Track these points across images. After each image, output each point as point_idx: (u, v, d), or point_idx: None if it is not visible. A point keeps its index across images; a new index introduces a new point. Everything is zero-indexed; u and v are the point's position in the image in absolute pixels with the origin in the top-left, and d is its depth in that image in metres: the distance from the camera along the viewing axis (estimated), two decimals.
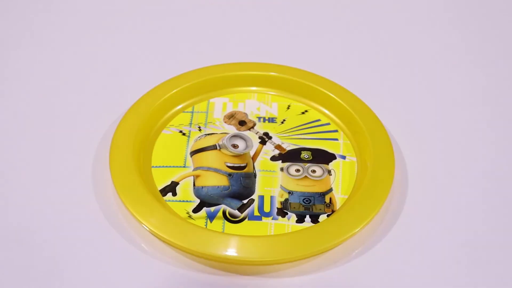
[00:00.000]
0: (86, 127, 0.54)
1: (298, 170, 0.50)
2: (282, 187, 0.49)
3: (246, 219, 0.46)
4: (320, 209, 0.47)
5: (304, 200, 0.48)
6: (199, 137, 0.53)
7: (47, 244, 0.45)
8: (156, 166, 0.50)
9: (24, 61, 0.62)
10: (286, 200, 0.48)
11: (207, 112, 0.55)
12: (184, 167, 0.50)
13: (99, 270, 0.43)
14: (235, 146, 0.52)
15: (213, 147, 0.52)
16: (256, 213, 0.47)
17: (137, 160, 0.49)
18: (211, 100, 0.57)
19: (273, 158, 0.51)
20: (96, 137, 0.53)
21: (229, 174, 0.49)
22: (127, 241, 0.45)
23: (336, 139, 0.53)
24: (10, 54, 0.63)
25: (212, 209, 0.47)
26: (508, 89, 0.59)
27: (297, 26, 0.68)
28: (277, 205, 0.48)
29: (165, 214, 0.45)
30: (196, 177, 0.49)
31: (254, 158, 0.51)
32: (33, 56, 0.62)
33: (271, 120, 0.55)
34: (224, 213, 0.47)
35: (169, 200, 0.48)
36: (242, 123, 0.55)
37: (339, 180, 0.50)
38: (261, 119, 0.55)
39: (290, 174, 0.50)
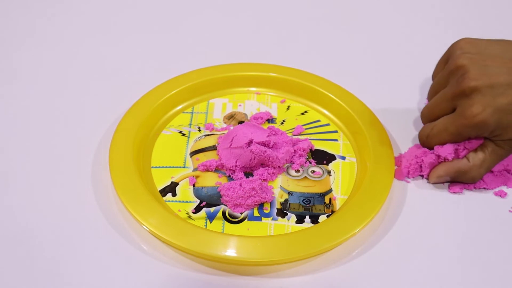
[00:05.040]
0: (86, 127, 0.54)
1: (298, 171, 0.50)
2: (282, 188, 0.49)
3: (246, 220, 0.46)
4: (320, 210, 0.47)
5: (304, 201, 0.48)
6: (199, 137, 0.53)
7: (47, 244, 0.45)
8: (155, 167, 0.50)
9: (24, 62, 0.62)
10: (286, 200, 0.48)
11: (206, 113, 0.55)
12: (183, 167, 0.50)
13: (99, 270, 0.43)
14: None
15: (213, 148, 0.52)
16: (256, 214, 0.47)
17: (137, 160, 0.49)
18: (211, 101, 0.57)
19: None
20: (96, 137, 0.53)
21: (229, 175, 0.49)
22: (127, 242, 0.45)
23: (336, 140, 0.53)
24: (11, 55, 0.63)
25: (212, 209, 0.47)
26: None
27: (296, 27, 0.68)
28: (277, 205, 0.48)
29: (164, 215, 0.45)
30: (195, 177, 0.49)
31: None
32: (33, 57, 0.62)
33: (271, 121, 0.55)
34: (223, 213, 0.47)
35: (168, 201, 0.48)
36: (242, 123, 0.55)
37: (339, 180, 0.50)
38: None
39: (289, 175, 0.50)
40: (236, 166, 0.49)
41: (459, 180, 0.49)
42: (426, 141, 0.50)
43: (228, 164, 0.49)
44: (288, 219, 0.47)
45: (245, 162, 0.49)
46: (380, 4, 0.72)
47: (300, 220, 0.47)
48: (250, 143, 0.49)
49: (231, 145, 0.49)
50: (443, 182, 0.50)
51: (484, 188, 0.49)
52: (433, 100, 0.50)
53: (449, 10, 0.71)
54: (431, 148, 0.50)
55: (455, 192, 0.49)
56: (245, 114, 0.55)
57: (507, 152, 0.48)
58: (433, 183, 0.50)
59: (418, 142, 0.53)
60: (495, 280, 0.44)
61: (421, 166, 0.50)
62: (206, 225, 0.46)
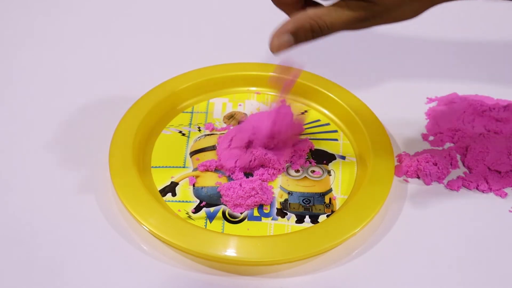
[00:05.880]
0: (86, 127, 0.54)
1: (297, 171, 0.50)
2: (282, 188, 0.49)
3: (246, 220, 0.46)
4: (320, 210, 0.47)
5: (304, 201, 0.48)
6: (198, 137, 0.53)
7: (47, 244, 0.45)
8: (155, 167, 0.50)
9: (24, 62, 0.62)
10: (286, 200, 0.48)
11: (206, 113, 0.55)
12: (183, 167, 0.50)
13: (99, 270, 0.43)
14: None
15: (213, 148, 0.52)
16: (256, 214, 0.47)
17: (137, 160, 0.49)
18: (211, 101, 0.57)
19: None
20: (96, 137, 0.53)
21: (228, 175, 0.49)
22: (127, 242, 0.45)
23: (336, 139, 0.53)
24: (11, 55, 0.63)
25: (212, 209, 0.47)
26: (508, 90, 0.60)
27: None
28: (277, 205, 0.48)
29: (164, 215, 0.45)
30: (195, 177, 0.49)
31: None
32: (33, 57, 0.62)
33: None
34: (223, 213, 0.47)
35: (168, 201, 0.48)
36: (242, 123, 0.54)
37: (339, 180, 0.50)
38: None
39: (289, 175, 0.50)
40: (235, 166, 0.49)
41: (319, 34, 0.41)
42: None
43: (227, 164, 0.49)
44: (288, 219, 0.47)
45: (245, 163, 0.49)
46: None
47: (300, 220, 0.47)
48: (249, 143, 0.49)
49: (230, 145, 0.49)
50: (287, 47, 0.42)
51: (490, 189, 0.49)
52: None
53: (449, 9, 0.71)
54: None
55: (452, 189, 0.49)
56: (245, 114, 0.55)
57: (352, 18, 0.40)
58: (277, 47, 0.42)
59: (423, 146, 0.53)
60: (495, 280, 0.44)
61: (417, 171, 0.50)
62: (206, 225, 0.46)
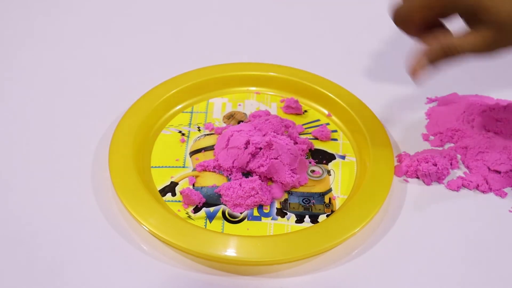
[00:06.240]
0: (86, 127, 0.54)
1: None
2: None
3: (246, 219, 0.46)
4: (320, 209, 0.47)
5: (304, 200, 0.48)
6: (198, 137, 0.53)
7: (47, 244, 0.45)
8: (155, 167, 0.50)
9: (24, 62, 0.62)
10: (286, 200, 0.48)
11: (206, 113, 0.55)
12: (183, 167, 0.50)
13: (99, 270, 0.43)
14: None
15: (212, 148, 0.52)
16: (256, 214, 0.47)
17: (137, 160, 0.49)
18: (210, 100, 0.57)
19: None
20: (96, 137, 0.53)
21: (227, 176, 0.49)
22: (127, 241, 0.45)
23: (336, 139, 0.53)
24: (11, 54, 0.63)
25: (212, 209, 0.47)
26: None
27: (296, 27, 0.68)
28: (277, 205, 0.48)
29: (164, 215, 0.45)
30: (195, 177, 0.49)
31: None
32: (33, 57, 0.62)
33: None
34: (223, 213, 0.47)
35: (168, 200, 0.48)
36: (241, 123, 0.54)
37: (339, 180, 0.50)
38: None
39: None
40: (233, 167, 0.49)
41: (451, 58, 0.44)
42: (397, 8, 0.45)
43: (225, 164, 0.49)
44: (288, 219, 0.47)
45: (242, 163, 0.49)
46: (379, 5, 0.72)
47: (299, 219, 0.47)
48: (247, 143, 0.49)
49: (227, 145, 0.49)
50: (437, 63, 0.45)
51: (490, 189, 0.49)
52: None
53: None
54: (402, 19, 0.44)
55: (452, 189, 0.49)
56: (245, 114, 0.55)
57: (481, 42, 0.44)
58: (420, 76, 0.45)
59: (423, 146, 0.53)
60: (495, 280, 0.44)
61: (417, 171, 0.50)
62: (205, 225, 0.46)
